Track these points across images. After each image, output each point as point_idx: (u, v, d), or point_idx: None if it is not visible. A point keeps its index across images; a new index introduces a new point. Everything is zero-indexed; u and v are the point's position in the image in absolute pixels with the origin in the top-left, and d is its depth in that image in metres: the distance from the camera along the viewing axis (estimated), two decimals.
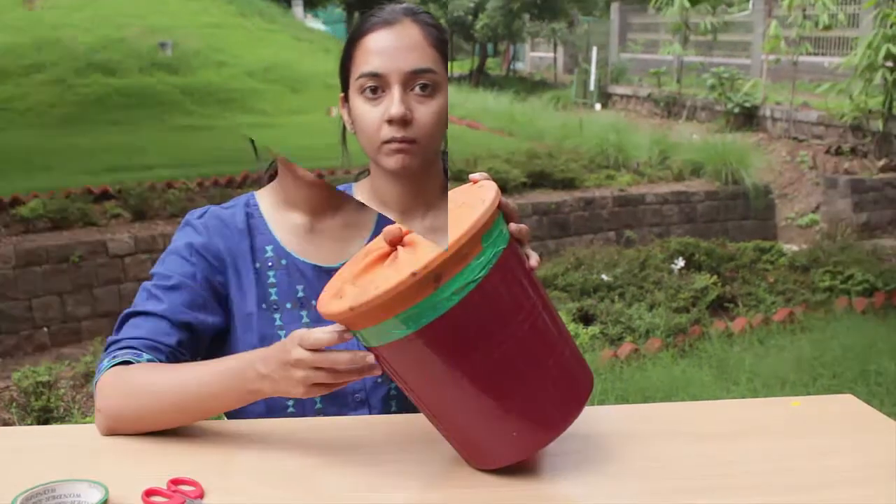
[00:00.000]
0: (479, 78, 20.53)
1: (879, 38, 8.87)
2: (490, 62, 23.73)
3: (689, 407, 1.51)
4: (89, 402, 3.79)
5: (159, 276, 1.33)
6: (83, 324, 5.77)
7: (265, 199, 1.43)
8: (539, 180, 7.86)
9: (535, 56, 24.54)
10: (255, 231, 1.39)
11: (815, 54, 12.70)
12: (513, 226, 1.07)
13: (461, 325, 0.99)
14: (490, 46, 23.84)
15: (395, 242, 1.04)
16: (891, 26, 8.82)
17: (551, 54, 22.00)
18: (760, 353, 4.31)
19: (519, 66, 24.52)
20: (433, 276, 0.96)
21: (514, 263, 1.04)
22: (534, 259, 1.09)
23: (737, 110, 11.82)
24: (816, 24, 10.74)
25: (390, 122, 1.28)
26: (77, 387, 3.95)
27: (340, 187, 1.46)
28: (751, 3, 15.17)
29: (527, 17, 20.32)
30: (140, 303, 1.31)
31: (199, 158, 7.99)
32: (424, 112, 1.30)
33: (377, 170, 1.38)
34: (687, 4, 13.08)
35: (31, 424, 3.47)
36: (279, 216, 1.41)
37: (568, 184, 7.94)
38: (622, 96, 15.66)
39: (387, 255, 1.06)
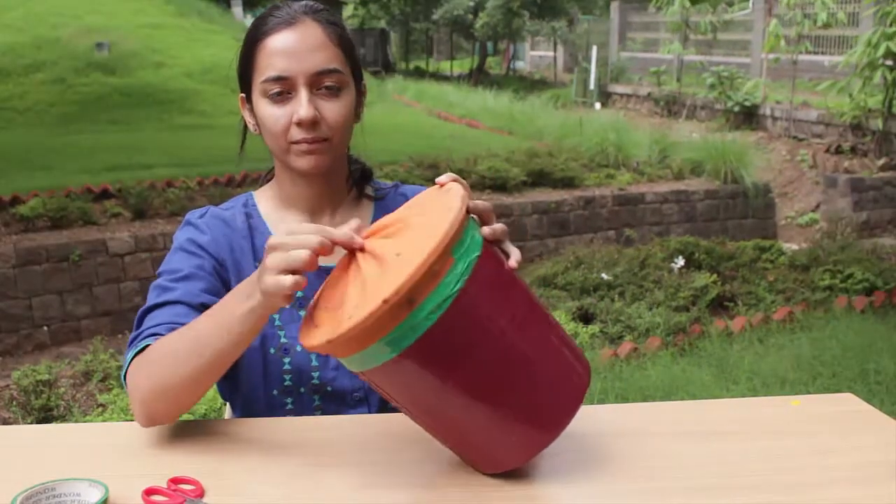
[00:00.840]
0: (478, 77, 20.55)
1: (879, 35, 8.86)
2: (490, 61, 23.75)
3: (688, 406, 1.51)
4: (89, 401, 3.79)
5: (168, 271, 1.31)
6: (83, 322, 5.77)
7: (264, 199, 1.43)
8: (539, 179, 7.87)
9: (535, 55, 24.54)
10: (255, 231, 1.39)
11: (815, 53, 12.70)
12: (486, 229, 1.03)
13: (444, 341, 0.96)
14: (490, 45, 23.85)
15: (352, 249, 1.02)
16: (890, 24, 8.82)
17: (551, 53, 22.00)
18: (760, 352, 4.31)
19: (519, 64, 24.53)
20: (406, 300, 0.92)
21: (492, 268, 1.00)
22: (513, 259, 1.04)
23: (737, 109, 11.83)
24: (815, 21, 10.74)
25: (299, 124, 1.27)
26: (77, 385, 3.95)
27: (240, 197, 1.44)
28: (751, 1, 15.17)
29: (527, 15, 20.33)
30: (153, 298, 1.28)
31: (198, 157, 7.99)
32: (332, 110, 1.29)
33: (284, 171, 1.37)
34: (687, 4, 13.09)
35: (31, 423, 3.47)
36: (278, 216, 1.41)
37: (568, 182, 7.95)
38: (622, 95, 15.67)
39: (348, 263, 1.02)
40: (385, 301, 0.91)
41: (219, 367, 1.14)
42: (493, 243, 1.04)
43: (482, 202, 1.05)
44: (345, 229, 1.04)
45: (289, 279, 1.01)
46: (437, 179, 1.09)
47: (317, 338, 0.97)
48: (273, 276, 1.02)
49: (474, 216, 1.04)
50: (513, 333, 1.00)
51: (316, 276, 1.36)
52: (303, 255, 1.01)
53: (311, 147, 1.28)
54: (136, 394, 1.17)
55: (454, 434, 1.07)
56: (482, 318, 0.98)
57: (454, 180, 1.07)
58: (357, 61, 1.36)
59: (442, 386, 0.99)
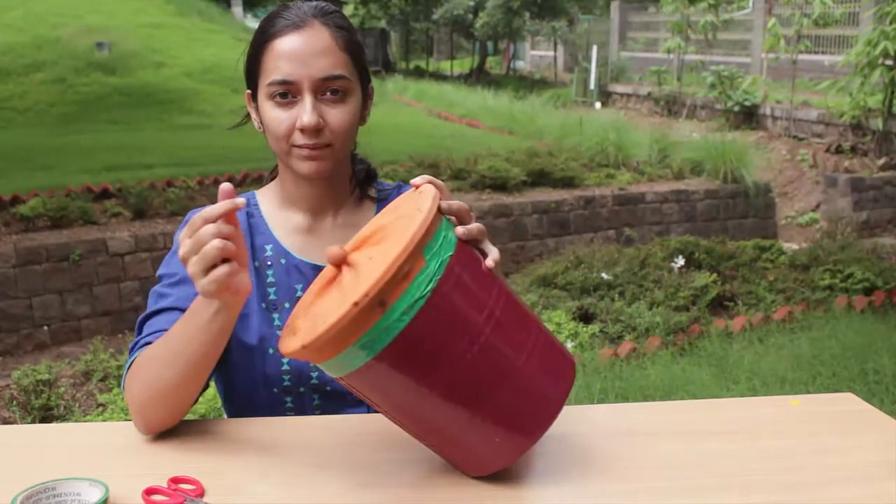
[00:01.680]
0: (479, 76, 20.55)
1: (878, 35, 8.87)
2: (490, 61, 23.76)
3: (688, 405, 1.51)
4: (89, 401, 3.80)
5: (165, 276, 1.33)
6: (83, 322, 5.78)
7: (266, 199, 1.43)
8: (539, 179, 7.87)
9: (536, 54, 24.55)
10: (255, 230, 1.39)
11: (815, 52, 12.71)
12: (459, 229, 1.03)
13: (418, 343, 0.95)
14: (490, 45, 23.86)
15: (338, 263, 1.01)
16: (890, 23, 8.82)
17: (551, 53, 22.01)
18: (760, 352, 4.31)
19: (519, 64, 24.54)
20: (377, 301, 0.92)
21: (466, 268, 0.99)
22: (491, 258, 1.04)
23: (737, 109, 11.83)
24: (812, 18, 10.73)
25: (302, 130, 1.27)
26: (77, 385, 3.95)
27: (243, 195, 1.45)
28: (751, 1, 15.17)
29: (527, 15, 20.34)
30: (151, 305, 1.31)
31: (198, 157, 7.99)
32: (336, 116, 1.28)
33: (287, 172, 1.37)
34: (685, 3, 13.08)
35: (31, 423, 3.47)
36: (279, 215, 1.41)
37: (568, 182, 7.95)
38: (622, 95, 15.67)
39: (335, 278, 1.02)
40: (355, 304, 0.91)
41: (197, 372, 1.16)
42: (469, 243, 1.04)
43: (457, 202, 1.04)
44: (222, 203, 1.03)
45: (218, 272, 1.02)
46: (412, 181, 1.09)
47: (293, 344, 0.98)
48: (203, 280, 1.03)
49: (450, 217, 1.04)
50: (491, 333, 0.99)
51: (315, 276, 1.36)
52: (214, 246, 1.01)
53: (312, 153, 1.28)
54: (131, 404, 1.20)
55: (436, 437, 1.06)
56: (457, 318, 0.97)
57: (429, 181, 1.07)
58: (365, 65, 1.36)
59: (419, 388, 0.99)
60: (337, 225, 1.41)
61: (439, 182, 1.07)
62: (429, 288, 0.95)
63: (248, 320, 1.34)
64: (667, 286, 4.98)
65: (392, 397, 1.02)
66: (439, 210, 1.01)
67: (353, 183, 1.44)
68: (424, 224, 0.95)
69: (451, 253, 0.98)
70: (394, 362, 0.96)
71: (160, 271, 1.35)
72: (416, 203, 1.01)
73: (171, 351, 1.15)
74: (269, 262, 1.37)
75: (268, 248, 1.38)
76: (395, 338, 0.94)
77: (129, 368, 1.23)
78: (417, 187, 1.07)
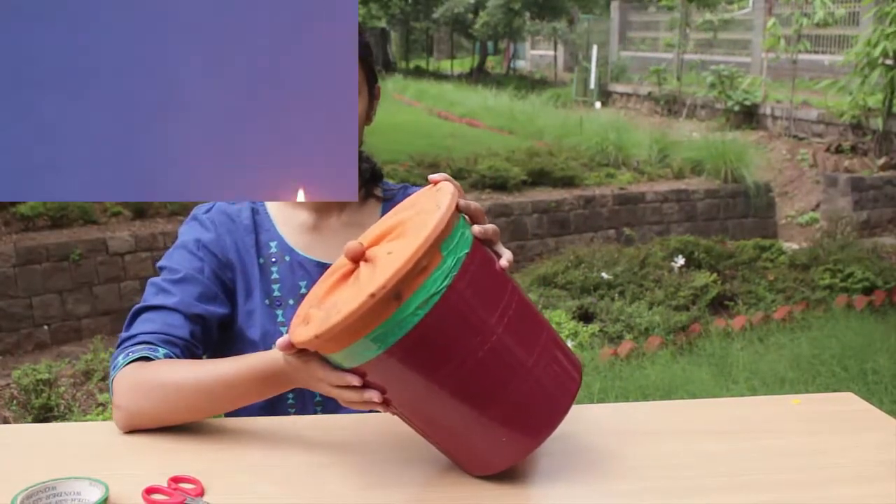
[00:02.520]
0: (479, 76, 20.54)
1: (878, 35, 8.86)
2: (490, 60, 23.75)
3: (688, 405, 1.51)
4: (89, 400, 3.79)
5: (168, 270, 1.33)
6: (83, 322, 5.77)
7: None
8: (539, 178, 7.87)
9: (536, 54, 24.53)
10: (260, 227, 1.40)
11: (815, 52, 12.71)
12: (476, 228, 1.03)
13: (431, 338, 0.96)
14: (490, 44, 23.85)
15: (357, 258, 1.01)
16: (889, 23, 8.81)
17: (551, 52, 21.99)
18: (760, 351, 4.31)
19: (519, 64, 24.52)
20: (393, 294, 0.93)
21: (480, 267, 1.00)
22: (505, 259, 1.05)
23: (737, 108, 11.82)
24: (812, 19, 10.73)
25: None
26: (77, 385, 3.95)
27: None
28: (750, 0, 15.17)
29: (527, 15, 20.33)
30: (150, 297, 1.30)
31: None
32: None
33: None
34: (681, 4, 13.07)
35: (31, 422, 3.47)
36: (284, 213, 1.41)
37: (568, 182, 7.95)
38: (622, 94, 15.66)
39: (350, 272, 1.03)
40: (371, 295, 0.91)
41: (216, 414, 1.22)
42: (483, 243, 1.04)
43: (474, 203, 1.05)
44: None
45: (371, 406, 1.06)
46: (430, 177, 1.09)
47: (305, 333, 0.98)
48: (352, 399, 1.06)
49: (465, 216, 1.05)
50: (502, 333, 0.99)
51: (319, 274, 1.36)
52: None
53: None
54: (125, 406, 1.19)
55: (442, 434, 1.06)
56: (470, 315, 0.98)
57: (446, 180, 1.08)
58: (371, 65, 1.37)
59: (428, 384, 0.99)
60: (342, 223, 1.41)
61: (455, 182, 1.08)
62: (445, 284, 0.95)
63: (252, 316, 1.34)
64: (667, 286, 4.98)
65: (400, 392, 1.02)
66: (457, 208, 1.02)
67: (358, 182, 1.44)
68: (444, 219, 0.96)
69: (467, 251, 0.98)
70: (404, 356, 0.96)
71: (162, 263, 1.35)
72: (435, 199, 1.01)
73: (206, 401, 1.18)
74: (273, 259, 1.38)
75: (272, 244, 1.39)
76: (408, 332, 0.94)
77: (125, 366, 1.21)
78: (436, 183, 1.07)
